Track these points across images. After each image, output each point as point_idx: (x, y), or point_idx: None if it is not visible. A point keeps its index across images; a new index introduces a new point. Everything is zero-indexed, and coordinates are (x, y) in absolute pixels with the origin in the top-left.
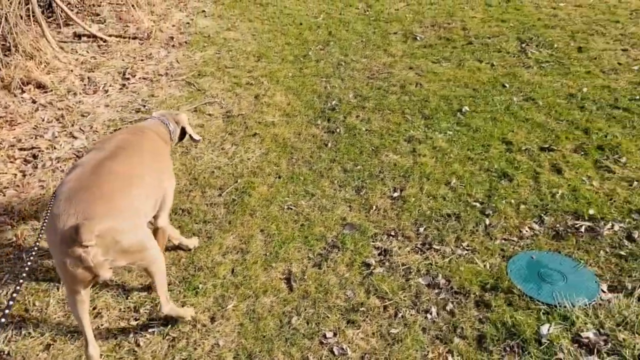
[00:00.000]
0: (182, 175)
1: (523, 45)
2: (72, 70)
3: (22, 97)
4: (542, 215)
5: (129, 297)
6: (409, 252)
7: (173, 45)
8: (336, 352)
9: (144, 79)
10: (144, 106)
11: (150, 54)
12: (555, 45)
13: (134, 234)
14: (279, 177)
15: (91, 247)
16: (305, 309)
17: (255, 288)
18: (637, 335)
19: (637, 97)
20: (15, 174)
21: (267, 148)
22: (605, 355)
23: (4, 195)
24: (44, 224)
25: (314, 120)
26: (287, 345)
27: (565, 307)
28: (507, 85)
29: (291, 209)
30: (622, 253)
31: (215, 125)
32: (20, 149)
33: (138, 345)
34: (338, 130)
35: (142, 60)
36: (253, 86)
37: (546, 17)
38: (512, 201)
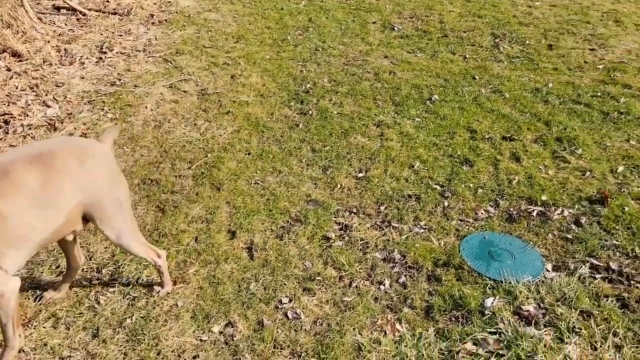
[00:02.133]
0: (153, 147)
1: (496, 40)
2: (49, 41)
3: None
4: (498, 199)
5: (92, 259)
6: (368, 228)
7: (153, 23)
8: (290, 316)
9: (122, 53)
10: (120, 80)
11: (129, 30)
12: (527, 42)
13: None
14: (249, 154)
15: None
16: (264, 276)
17: (217, 255)
18: (573, 309)
19: (599, 94)
20: None
21: (239, 126)
22: (542, 326)
23: None
24: None
25: (288, 102)
26: (243, 308)
27: (510, 283)
28: (477, 77)
29: (258, 184)
30: (569, 236)
31: (189, 102)
32: None
33: (98, 303)
34: (310, 112)
35: (120, 35)
36: (230, 66)
37: (521, 14)
38: (471, 185)
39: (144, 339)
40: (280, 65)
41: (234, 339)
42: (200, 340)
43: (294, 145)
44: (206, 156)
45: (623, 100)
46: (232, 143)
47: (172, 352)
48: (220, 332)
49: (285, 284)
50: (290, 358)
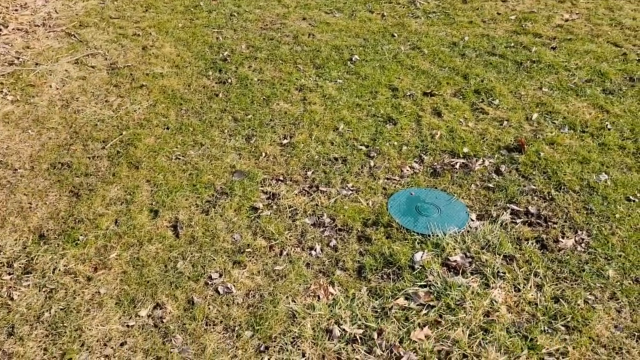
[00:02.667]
0: (61, 128)
1: None
2: None
3: None
4: (422, 155)
5: (1, 252)
6: (296, 194)
7: None
8: (221, 291)
9: (19, 29)
10: (18, 58)
11: (25, 4)
12: None
13: None
14: (167, 128)
15: None
16: (192, 254)
17: (140, 237)
18: (497, 255)
19: (512, 45)
20: None
21: (154, 100)
22: (469, 274)
23: None
24: None
25: (205, 72)
26: (171, 288)
27: (437, 236)
28: (396, 35)
29: (179, 159)
30: (490, 185)
31: (98, 78)
32: None
33: (12, 299)
34: (229, 80)
35: (15, 10)
36: (140, 37)
37: None
38: (395, 143)
39: (66, 332)
40: (194, 34)
41: (164, 320)
42: (127, 326)
43: (214, 115)
44: (121, 134)
45: (534, 49)
46: (148, 118)
47: (97, 342)
48: (149, 316)
49: (214, 259)
50: (223, 333)
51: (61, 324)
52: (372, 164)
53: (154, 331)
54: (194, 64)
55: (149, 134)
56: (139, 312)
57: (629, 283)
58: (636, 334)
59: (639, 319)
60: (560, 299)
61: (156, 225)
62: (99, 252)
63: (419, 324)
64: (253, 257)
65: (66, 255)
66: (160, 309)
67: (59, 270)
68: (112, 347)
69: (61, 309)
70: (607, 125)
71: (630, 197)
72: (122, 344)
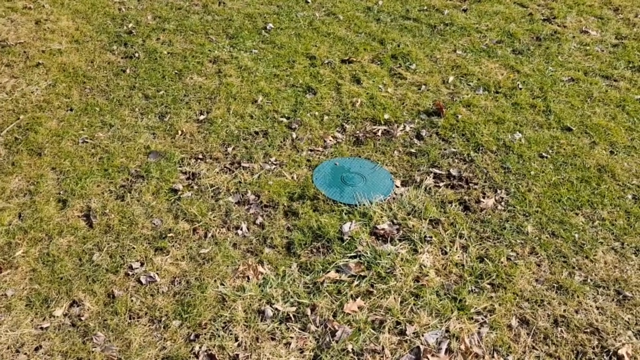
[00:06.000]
0: None
1: None
2: None
3: None
4: (344, 124)
5: None
6: (217, 172)
7: None
8: (144, 281)
9: None
10: None
11: None
12: None
13: None
14: (71, 110)
15: None
16: (108, 244)
17: (49, 230)
18: (423, 220)
19: (425, 8)
20: None
21: (54, 79)
22: (397, 241)
23: None
24: None
25: (109, 46)
26: (88, 282)
27: (364, 205)
28: (309, 1)
29: (87, 142)
30: (412, 150)
31: None
32: None
33: None
34: (137, 55)
35: None
36: (32, 10)
37: None
38: (317, 113)
39: None
40: (93, 4)
41: (82, 318)
42: (41, 328)
43: (123, 93)
44: (18, 119)
45: (447, 12)
46: (48, 100)
47: (7, 349)
48: (65, 315)
49: (133, 248)
50: (149, 325)
51: None
52: (294, 136)
53: (72, 331)
54: (95, 38)
55: (50, 117)
56: (53, 312)
57: (547, 237)
58: (555, 285)
59: (557, 271)
60: (485, 258)
61: (66, 216)
62: (2, 250)
63: (351, 295)
64: (176, 241)
65: None
66: (78, 306)
67: None
68: (25, 353)
69: None
70: (518, 85)
71: (543, 154)
72: (36, 349)
